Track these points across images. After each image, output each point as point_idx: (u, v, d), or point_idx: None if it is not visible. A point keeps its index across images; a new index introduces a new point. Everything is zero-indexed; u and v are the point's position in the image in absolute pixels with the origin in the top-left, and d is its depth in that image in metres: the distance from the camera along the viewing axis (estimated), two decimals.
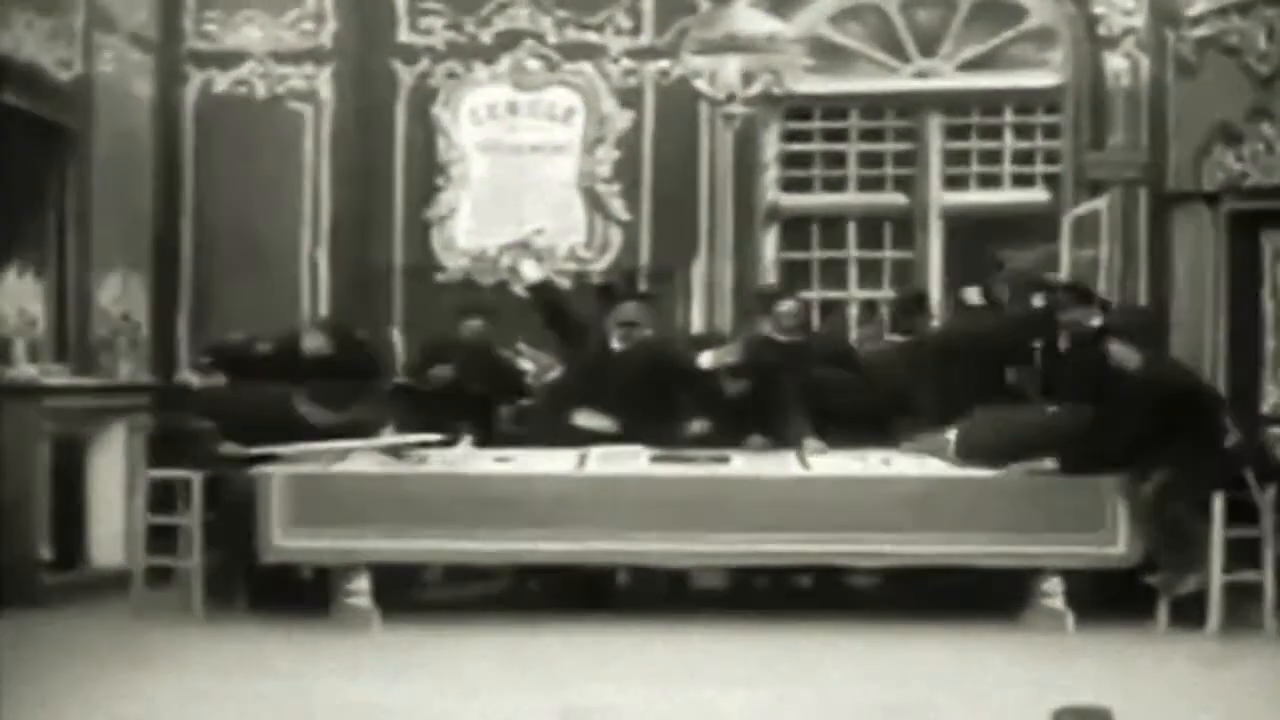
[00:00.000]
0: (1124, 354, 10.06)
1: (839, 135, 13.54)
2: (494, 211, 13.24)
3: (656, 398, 11.03)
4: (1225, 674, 8.77)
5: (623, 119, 13.21)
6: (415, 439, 10.65)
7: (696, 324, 12.98)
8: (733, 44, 11.63)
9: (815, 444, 10.67)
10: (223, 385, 11.21)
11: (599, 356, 11.20)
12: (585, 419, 10.97)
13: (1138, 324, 10.58)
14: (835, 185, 13.54)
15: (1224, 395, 10.93)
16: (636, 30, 13.20)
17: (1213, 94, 12.01)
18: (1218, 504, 9.71)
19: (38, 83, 11.24)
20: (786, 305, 11.50)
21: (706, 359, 11.13)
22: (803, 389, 10.95)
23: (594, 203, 13.19)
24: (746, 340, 11.47)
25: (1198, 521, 9.74)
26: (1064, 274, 12.67)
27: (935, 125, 13.38)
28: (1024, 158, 13.34)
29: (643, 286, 12.47)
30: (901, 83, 13.34)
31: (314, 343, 11.17)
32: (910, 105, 13.42)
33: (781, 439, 10.81)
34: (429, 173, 13.29)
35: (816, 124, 13.54)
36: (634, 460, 10.43)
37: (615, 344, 11.21)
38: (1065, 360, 10.79)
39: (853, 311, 13.50)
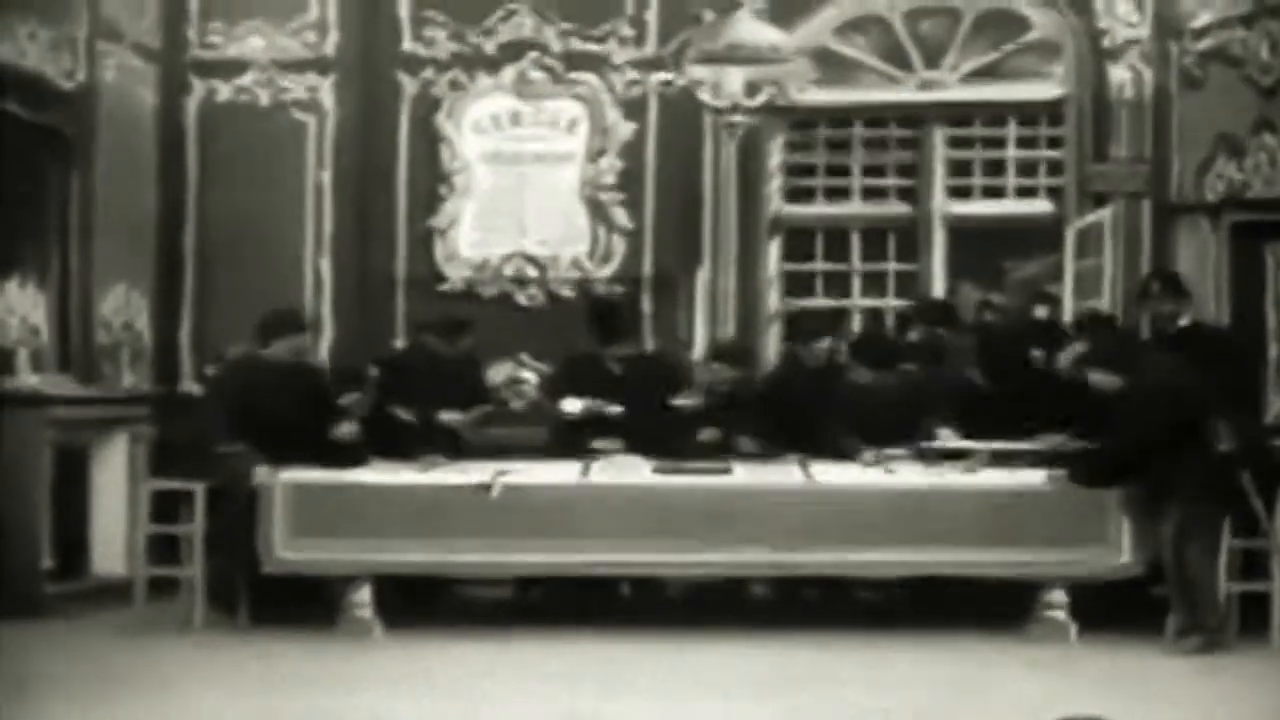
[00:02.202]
0: (1103, 380, 10.01)
1: (842, 146, 13.52)
2: (497, 221, 13.24)
3: (662, 413, 11.04)
4: (1231, 685, 8.75)
5: (626, 129, 13.19)
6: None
7: (699, 334, 12.95)
8: (736, 54, 11.64)
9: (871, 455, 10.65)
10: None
11: (603, 383, 11.17)
12: (601, 444, 10.94)
13: (1112, 346, 10.48)
14: (839, 195, 13.53)
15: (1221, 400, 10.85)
16: (640, 41, 13.19)
17: (1216, 106, 12.01)
18: (1225, 522, 9.72)
19: (41, 91, 11.25)
20: (818, 345, 11.54)
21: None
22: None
23: (597, 212, 13.19)
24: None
25: (1214, 571, 9.71)
26: (1066, 286, 12.70)
27: (939, 136, 13.36)
28: (1028, 169, 13.31)
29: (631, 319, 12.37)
30: (905, 94, 13.31)
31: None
32: (914, 116, 13.40)
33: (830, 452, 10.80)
34: (432, 182, 13.27)
35: (820, 134, 13.52)
36: (636, 471, 10.43)
37: (614, 369, 11.22)
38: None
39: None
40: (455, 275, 13.24)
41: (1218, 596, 9.71)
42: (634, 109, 13.21)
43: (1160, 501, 9.72)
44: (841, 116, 13.48)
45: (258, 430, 10.22)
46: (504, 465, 10.45)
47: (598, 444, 10.90)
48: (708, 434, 11.04)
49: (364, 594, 10.02)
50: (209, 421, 10.62)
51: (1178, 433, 9.68)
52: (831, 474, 10.36)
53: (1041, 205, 13.26)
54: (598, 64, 13.24)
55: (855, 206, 13.55)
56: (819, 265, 13.55)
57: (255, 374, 10.66)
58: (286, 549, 9.99)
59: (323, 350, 12.83)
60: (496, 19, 13.28)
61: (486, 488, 10.10)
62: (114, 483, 11.50)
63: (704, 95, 11.85)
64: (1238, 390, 10.37)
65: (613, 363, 11.23)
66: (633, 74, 13.20)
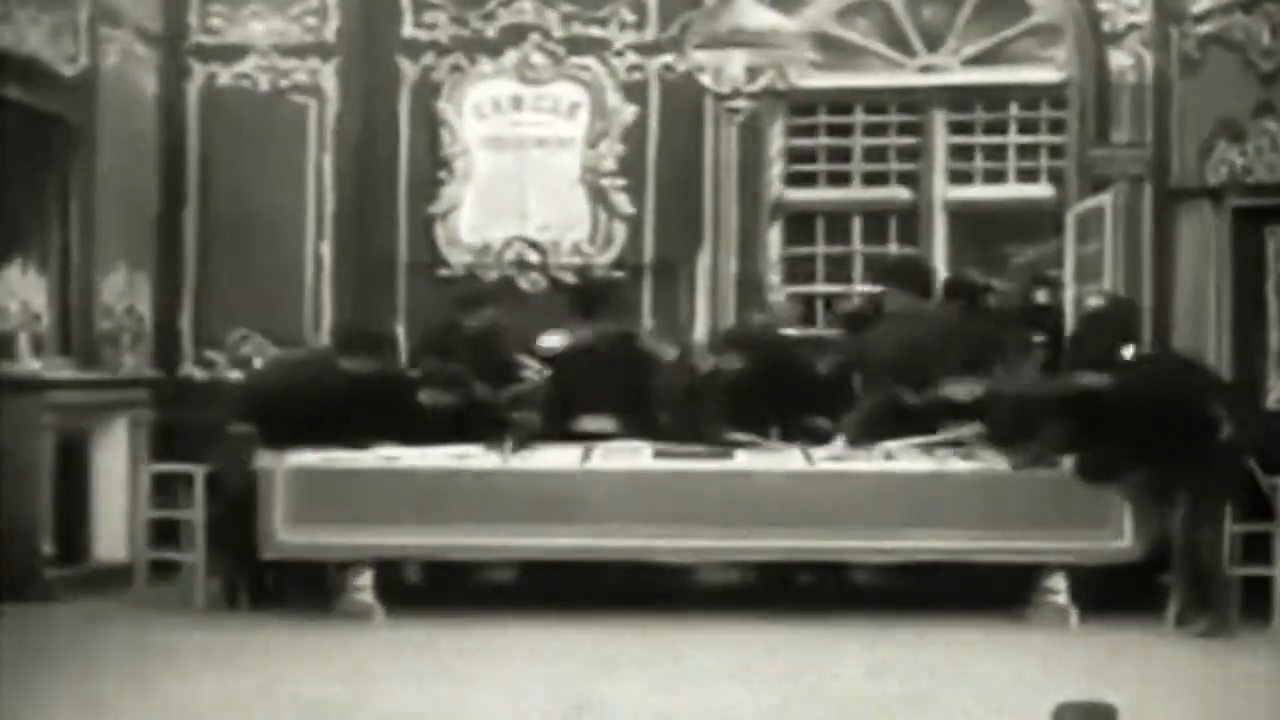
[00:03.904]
0: (1091, 379, 10.02)
1: (844, 130, 13.51)
2: (497, 206, 13.23)
3: (641, 392, 11.10)
4: (1232, 670, 8.76)
5: (627, 113, 13.19)
6: None
7: (700, 319, 12.96)
8: (737, 39, 11.61)
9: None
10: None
11: (585, 363, 11.20)
12: (589, 423, 10.96)
13: (1104, 340, 10.52)
14: (840, 180, 13.53)
15: (1223, 384, 10.80)
16: (641, 25, 13.18)
17: (1217, 90, 11.99)
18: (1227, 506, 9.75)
19: (41, 77, 11.24)
20: (779, 299, 11.63)
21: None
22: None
23: (598, 197, 13.18)
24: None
25: (1221, 553, 9.73)
26: (1067, 271, 12.70)
27: (940, 120, 13.36)
28: (1029, 153, 13.31)
29: (615, 292, 12.33)
30: (906, 78, 13.32)
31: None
32: (915, 100, 13.40)
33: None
34: (432, 167, 13.27)
35: (821, 119, 13.52)
36: (637, 456, 10.44)
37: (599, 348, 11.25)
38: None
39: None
40: (456, 260, 13.23)
41: (1225, 580, 9.72)
42: (635, 93, 13.20)
43: (1167, 489, 9.72)
44: (843, 101, 13.48)
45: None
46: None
47: (587, 424, 10.92)
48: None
49: (365, 578, 10.03)
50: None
51: (1182, 423, 9.69)
52: (832, 459, 10.37)
53: (1042, 190, 13.27)
54: (599, 48, 13.23)
55: (856, 191, 13.56)
56: (820, 249, 13.56)
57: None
58: (286, 533, 10.00)
59: (323, 335, 12.86)
60: (497, 3, 13.27)
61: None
62: (114, 467, 11.49)
63: (705, 80, 11.81)
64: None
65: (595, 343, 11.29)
66: (634, 58, 13.19)
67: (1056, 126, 13.19)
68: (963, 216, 13.41)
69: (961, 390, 10.67)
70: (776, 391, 11.08)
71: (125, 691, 8.08)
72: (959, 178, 13.40)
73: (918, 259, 12.93)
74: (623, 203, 13.15)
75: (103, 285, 12.00)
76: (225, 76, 13.16)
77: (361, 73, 13.20)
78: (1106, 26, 12.75)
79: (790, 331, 11.78)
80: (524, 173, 13.25)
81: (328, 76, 13.14)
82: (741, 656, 8.98)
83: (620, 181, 13.17)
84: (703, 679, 8.47)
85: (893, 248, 13.48)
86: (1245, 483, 9.82)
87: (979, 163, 13.39)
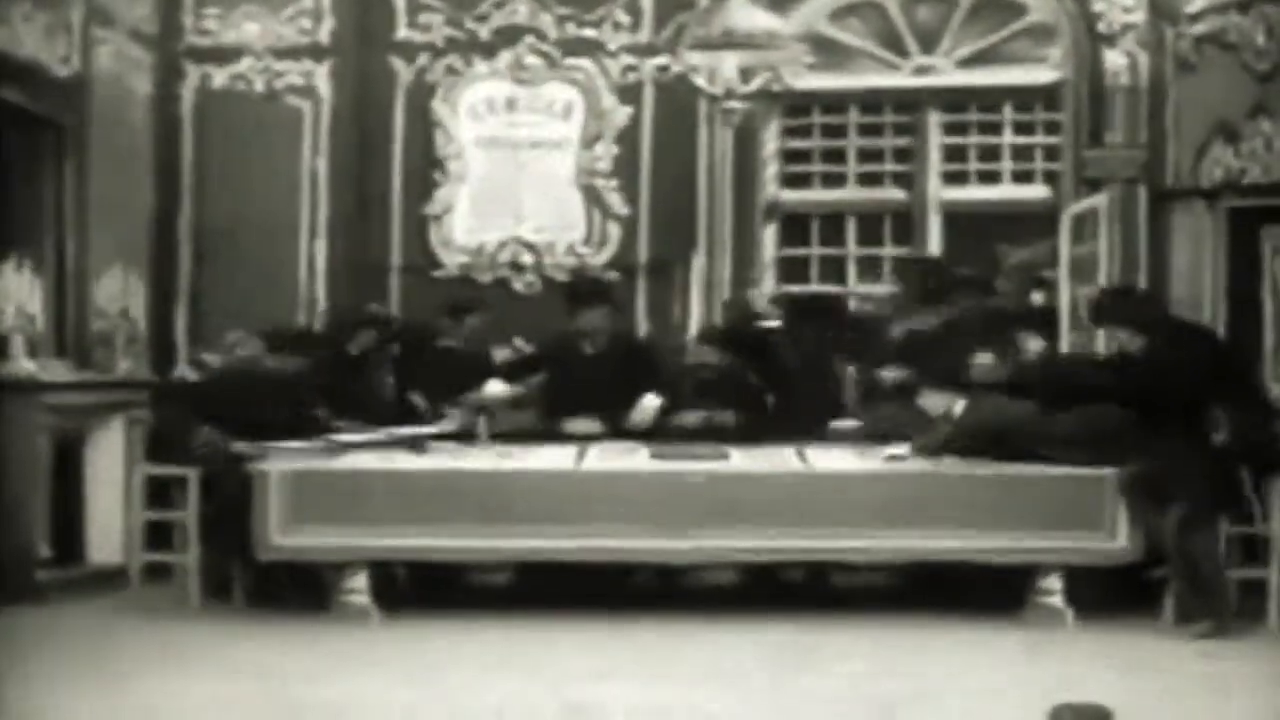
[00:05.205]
0: (1124, 339, 10.03)
1: (838, 131, 13.53)
2: (492, 207, 13.24)
3: (635, 394, 11.13)
4: (1228, 671, 8.75)
5: (622, 115, 13.19)
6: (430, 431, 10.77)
7: (695, 320, 12.96)
8: (731, 40, 11.62)
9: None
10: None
11: (574, 363, 11.27)
12: (576, 425, 10.99)
13: (1135, 306, 10.53)
14: (834, 181, 13.54)
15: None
16: (635, 26, 13.19)
17: (1212, 91, 12.00)
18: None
19: (35, 78, 11.22)
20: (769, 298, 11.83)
21: None
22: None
23: (593, 198, 13.18)
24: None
25: (1218, 557, 9.72)
26: (1062, 272, 12.71)
27: (934, 121, 13.38)
28: (1023, 154, 13.33)
29: (606, 288, 12.38)
30: (901, 79, 13.33)
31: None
32: (910, 101, 13.41)
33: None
34: (427, 168, 13.27)
35: (816, 120, 13.53)
36: (632, 456, 10.44)
37: (586, 349, 11.33)
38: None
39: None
40: (451, 261, 13.24)
41: (1225, 582, 9.72)
42: (629, 95, 13.21)
43: (1161, 490, 9.71)
44: (837, 102, 13.50)
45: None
46: (502, 449, 10.51)
47: (573, 426, 10.96)
48: (691, 418, 11.12)
49: (360, 580, 10.01)
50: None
51: (1174, 414, 9.70)
52: (828, 460, 10.37)
53: (1037, 190, 13.29)
54: (593, 50, 13.24)
55: (851, 192, 13.57)
56: (815, 250, 13.57)
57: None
58: (281, 536, 9.98)
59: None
60: (491, 4, 13.28)
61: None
62: (110, 469, 11.45)
63: (699, 81, 11.82)
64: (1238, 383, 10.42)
65: (585, 342, 11.32)
66: (628, 60, 13.20)
67: (1051, 127, 13.21)
68: (957, 218, 13.42)
69: (937, 401, 10.68)
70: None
71: (120, 692, 8.07)
72: (954, 179, 13.42)
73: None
74: (617, 204, 13.16)
75: (97, 287, 11.98)
76: (219, 78, 13.17)
77: (356, 74, 13.21)
78: (1101, 27, 12.77)
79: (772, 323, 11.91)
80: (519, 174, 13.25)
81: (322, 78, 13.15)
82: (737, 657, 8.96)
83: (615, 183, 13.18)
84: (699, 680, 8.46)
85: (888, 249, 13.49)
86: (1239, 491, 9.83)
87: (973, 164, 13.41)
